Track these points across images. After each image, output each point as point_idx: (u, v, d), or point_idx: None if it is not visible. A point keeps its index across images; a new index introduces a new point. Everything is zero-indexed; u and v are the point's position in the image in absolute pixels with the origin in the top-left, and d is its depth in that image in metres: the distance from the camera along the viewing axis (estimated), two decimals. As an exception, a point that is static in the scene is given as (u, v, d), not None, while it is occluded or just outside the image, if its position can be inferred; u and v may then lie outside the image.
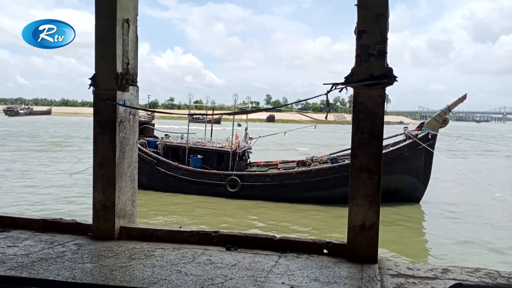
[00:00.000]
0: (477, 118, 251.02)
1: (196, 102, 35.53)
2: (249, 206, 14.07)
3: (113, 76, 4.68)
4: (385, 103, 4.42)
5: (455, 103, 14.46)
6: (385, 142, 14.80)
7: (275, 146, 33.78)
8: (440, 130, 14.52)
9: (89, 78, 4.80)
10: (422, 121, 16.00)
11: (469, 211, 13.77)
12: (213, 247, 4.43)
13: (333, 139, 41.19)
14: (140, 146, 16.12)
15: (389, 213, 12.13)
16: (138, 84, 5.07)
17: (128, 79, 4.83)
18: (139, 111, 5.47)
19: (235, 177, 14.98)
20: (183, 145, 16.76)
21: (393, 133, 15.88)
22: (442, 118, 14.35)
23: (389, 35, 4.18)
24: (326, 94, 4.54)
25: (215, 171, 15.52)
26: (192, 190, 15.34)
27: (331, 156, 16.16)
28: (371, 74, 4.13)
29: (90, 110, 5.65)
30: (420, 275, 3.93)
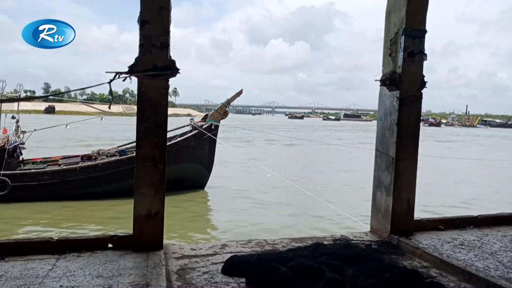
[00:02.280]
0: (253, 111, 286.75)
1: None
2: (23, 209, 12.24)
3: None
4: (174, 96, 4.63)
5: (233, 97, 16.07)
6: (173, 133, 15.31)
7: (57, 140, 30.38)
8: (222, 121, 15.94)
9: None
10: (207, 113, 17.22)
11: (246, 192, 15.64)
12: (-30, 261, 3.71)
13: (122, 131, 39.84)
14: None
15: (176, 201, 12.63)
16: None
17: None
18: None
19: (3, 178, 12.75)
20: None
21: (182, 124, 16.53)
22: (223, 111, 15.77)
23: (175, 30, 4.35)
24: (109, 82, 4.43)
25: None
26: None
27: (119, 148, 15.61)
28: (154, 64, 4.21)
29: None
30: (202, 253, 4.29)
